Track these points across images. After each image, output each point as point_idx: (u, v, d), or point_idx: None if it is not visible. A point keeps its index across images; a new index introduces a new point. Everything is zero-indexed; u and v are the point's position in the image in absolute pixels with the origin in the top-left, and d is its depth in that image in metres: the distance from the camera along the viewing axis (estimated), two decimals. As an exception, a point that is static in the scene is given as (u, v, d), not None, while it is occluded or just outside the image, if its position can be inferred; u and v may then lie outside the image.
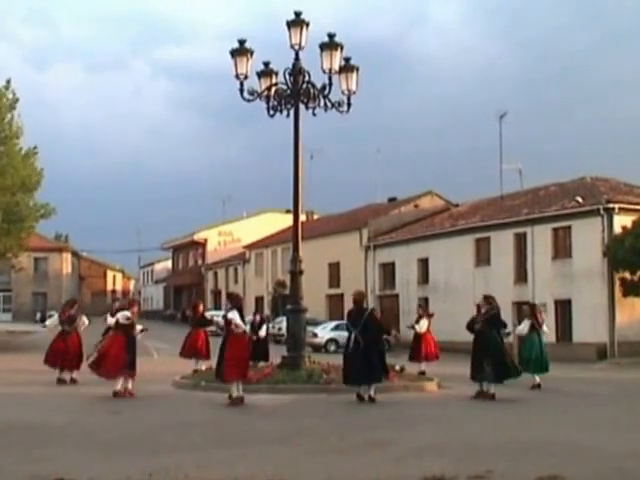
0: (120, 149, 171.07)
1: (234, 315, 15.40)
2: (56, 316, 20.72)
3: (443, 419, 13.69)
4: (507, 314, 19.37)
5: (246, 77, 18.96)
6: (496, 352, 16.80)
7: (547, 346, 20.46)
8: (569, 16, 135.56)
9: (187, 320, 29.82)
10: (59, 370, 19.30)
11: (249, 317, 20.71)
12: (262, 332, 22.47)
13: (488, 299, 17.63)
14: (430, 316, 24.43)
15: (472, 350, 17.30)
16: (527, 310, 21.40)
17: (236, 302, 16.00)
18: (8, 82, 38.84)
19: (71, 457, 9.42)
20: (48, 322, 22.19)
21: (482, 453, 9.81)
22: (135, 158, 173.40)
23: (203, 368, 21.21)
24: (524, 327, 20.29)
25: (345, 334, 17.14)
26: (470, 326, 17.58)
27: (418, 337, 23.91)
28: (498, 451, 9.95)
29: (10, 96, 38.76)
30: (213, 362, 17.20)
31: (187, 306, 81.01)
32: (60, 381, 19.01)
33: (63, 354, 19.30)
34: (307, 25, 18.72)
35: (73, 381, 19.14)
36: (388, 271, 50.54)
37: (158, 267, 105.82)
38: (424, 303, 37.58)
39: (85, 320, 20.12)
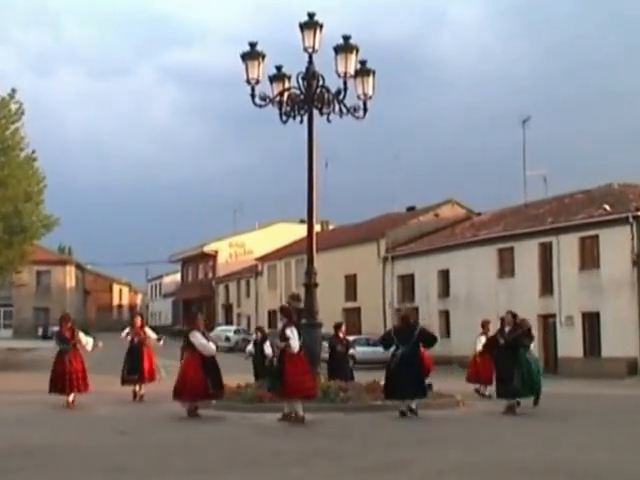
0: (126, 158, 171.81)
1: (292, 333, 15.42)
2: (54, 336, 19.83)
3: (466, 438, 13.63)
4: (532, 328, 19.34)
5: (258, 82, 18.98)
6: (523, 368, 17.12)
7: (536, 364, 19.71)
8: (595, 21, 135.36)
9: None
10: (60, 394, 18.59)
11: (253, 335, 20.74)
12: (268, 349, 22.10)
13: (513, 317, 17.76)
14: None
15: (497, 367, 17.31)
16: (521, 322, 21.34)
17: (291, 317, 15.91)
18: (13, 91, 38.81)
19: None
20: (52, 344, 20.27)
21: (507, 474, 9.77)
22: (142, 167, 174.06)
23: None
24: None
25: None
26: (492, 344, 17.66)
27: None
28: (524, 472, 9.91)
29: (15, 106, 38.78)
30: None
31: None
32: (68, 404, 18.44)
33: (62, 375, 18.48)
34: (321, 27, 18.75)
35: (70, 404, 18.46)
36: (407, 283, 50.43)
37: (166, 280, 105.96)
38: (415, 313, 37.33)
39: (89, 340, 19.35)
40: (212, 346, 16.42)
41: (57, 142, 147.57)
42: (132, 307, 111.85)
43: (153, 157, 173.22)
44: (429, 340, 17.23)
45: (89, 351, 19.37)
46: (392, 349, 17.01)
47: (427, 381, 19.98)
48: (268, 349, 21.91)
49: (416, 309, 48.47)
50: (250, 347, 23.67)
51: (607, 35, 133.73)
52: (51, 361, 19.20)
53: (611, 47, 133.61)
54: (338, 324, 23.14)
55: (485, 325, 21.71)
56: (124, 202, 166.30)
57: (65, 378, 18.41)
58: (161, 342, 21.25)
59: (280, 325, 16.25)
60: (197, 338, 15.79)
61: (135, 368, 20.29)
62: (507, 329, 17.62)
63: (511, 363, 17.13)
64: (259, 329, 24.29)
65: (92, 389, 19.00)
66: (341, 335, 22.50)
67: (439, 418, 16.58)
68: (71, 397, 18.50)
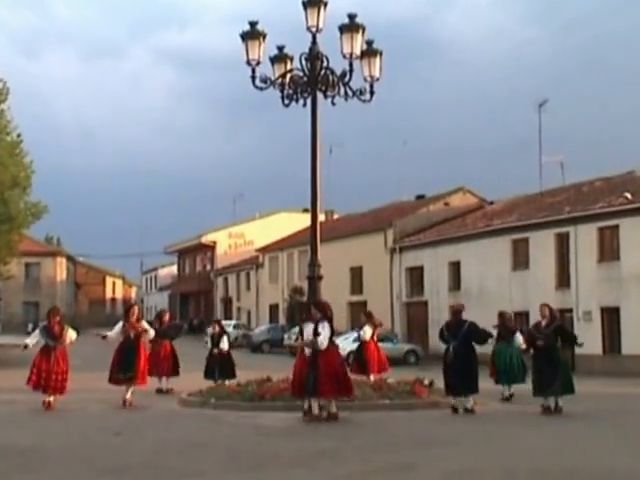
0: (120, 144, 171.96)
1: (324, 329, 15.54)
2: (37, 331, 18.58)
3: (476, 440, 13.65)
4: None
5: (258, 63, 18.94)
6: (563, 365, 17.53)
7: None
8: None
9: (195, 331, 29.66)
10: (43, 392, 17.87)
11: (209, 329, 20.61)
12: (224, 345, 22.10)
13: (549, 309, 17.97)
14: (376, 325, 24.30)
15: (534, 364, 17.69)
16: (498, 319, 21.72)
17: (326, 312, 16.00)
18: None
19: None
20: (29, 340, 18.39)
21: (520, 478, 9.79)
22: (137, 154, 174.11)
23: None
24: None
25: None
26: (531, 342, 18.00)
27: (362, 346, 23.77)
28: (538, 477, 9.93)
29: None
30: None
31: (195, 315, 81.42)
32: (45, 404, 17.71)
33: (47, 374, 17.70)
34: (325, 5, 18.70)
35: (49, 405, 17.74)
36: (416, 276, 50.45)
37: (162, 273, 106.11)
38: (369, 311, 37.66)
39: (72, 334, 18.36)
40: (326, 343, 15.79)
41: (46, 127, 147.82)
42: (126, 300, 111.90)
43: (148, 143, 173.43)
44: (479, 336, 17.83)
45: (73, 343, 18.58)
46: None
47: (429, 379, 20.25)
48: (224, 344, 21.86)
49: (425, 303, 48.66)
50: (207, 340, 23.31)
51: (625, 9, 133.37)
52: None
53: (631, 22, 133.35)
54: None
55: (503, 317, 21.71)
56: (117, 190, 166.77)
57: (49, 377, 17.67)
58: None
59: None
60: (325, 331, 15.66)
61: (129, 366, 18.57)
62: (544, 323, 17.76)
63: (548, 359, 17.32)
64: (216, 322, 23.71)
65: (71, 390, 18.34)
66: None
67: (448, 418, 16.60)
68: (52, 398, 17.78)
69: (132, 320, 19.05)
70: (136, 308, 20.06)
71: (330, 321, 15.79)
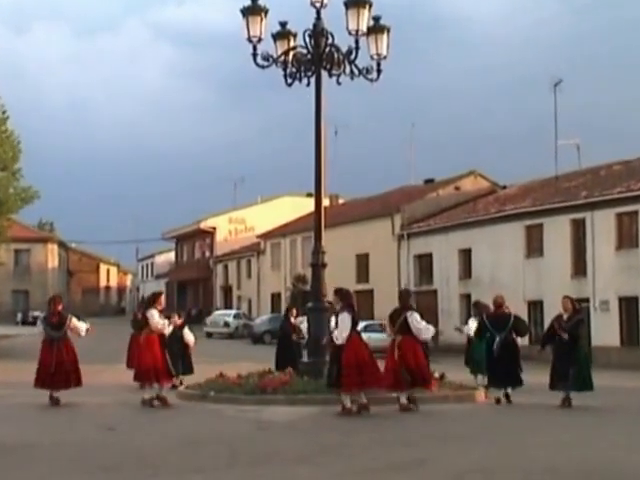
0: (114, 126, 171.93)
1: (343, 320, 15.58)
2: (38, 322, 18.68)
3: (489, 435, 13.64)
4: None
5: (260, 40, 18.89)
6: (583, 361, 17.74)
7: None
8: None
9: (193, 321, 29.22)
10: (49, 389, 17.60)
11: (175, 318, 20.37)
12: (189, 337, 21.56)
13: (572, 303, 18.21)
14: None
15: (554, 357, 17.84)
16: (473, 309, 22.95)
17: (348, 300, 16.05)
18: None
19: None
20: (36, 329, 18.83)
21: (534, 476, 9.79)
22: (132, 136, 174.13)
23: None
24: (472, 326, 21.67)
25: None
26: (549, 337, 18.21)
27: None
28: (553, 475, 9.92)
29: None
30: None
31: (193, 305, 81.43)
32: (53, 400, 17.49)
33: (54, 369, 17.34)
34: (330, -22, 18.67)
35: (56, 401, 17.53)
36: (425, 264, 50.48)
37: (159, 260, 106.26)
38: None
39: (81, 325, 18.25)
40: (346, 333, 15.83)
41: (36, 107, 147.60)
42: (119, 289, 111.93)
43: (144, 124, 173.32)
44: (524, 328, 19.32)
45: (82, 336, 18.48)
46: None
47: (440, 371, 20.31)
48: (189, 335, 21.41)
49: (434, 292, 48.67)
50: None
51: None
52: (33, 349, 18.78)
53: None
54: (289, 308, 24.83)
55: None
56: (112, 174, 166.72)
57: (54, 371, 17.35)
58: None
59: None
60: (346, 321, 15.69)
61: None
62: (566, 316, 17.88)
63: (569, 353, 17.45)
64: (178, 314, 22.57)
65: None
66: (292, 320, 23.40)
67: (459, 412, 16.60)
68: (57, 393, 17.50)
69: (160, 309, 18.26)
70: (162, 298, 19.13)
71: (352, 310, 15.80)
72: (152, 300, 18.31)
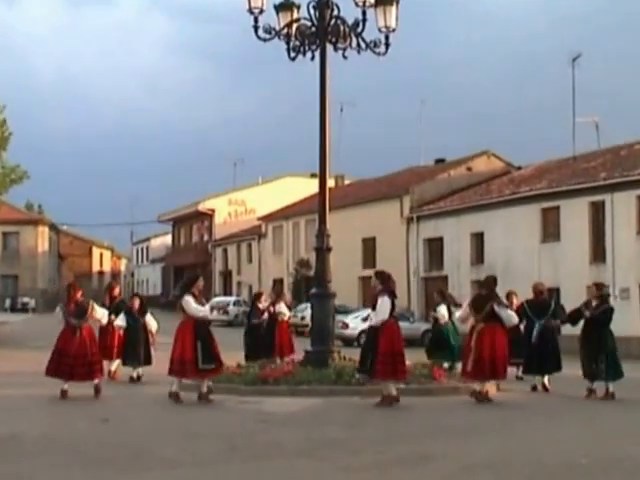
0: (107, 102, 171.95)
1: (382, 304, 15.72)
2: (58, 309, 17.80)
3: (500, 429, 13.68)
4: (582, 300, 19.54)
5: (262, 11, 18.87)
6: (611, 349, 17.90)
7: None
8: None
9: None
10: (64, 380, 17.05)
11: (135, 302, 20.27)
12: (153, 324, 20.86)
13: (601, 290, 18.67)
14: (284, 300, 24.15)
15: (581, 347, 18.05)
16: (438, 296, 23.57)
17: (389, 284, 16.13)
18: None
19: (48, 476, 9.51)
20: (54, 318, 17.94)
21: (547, 472, 9.82)
22: (126, 113, 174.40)
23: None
24: (445, 313, 22.30)
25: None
26: (574, 316, 18.55)
27: (272, 325, 23.02)
28: (566, 470, 9.95)
29: None
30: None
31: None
32: (63, 394, 16.94)
33: (73, 360, 16.89)
34: (335, -54, 18.64)
35: (97, 391, 17.04)
36: (435, 248, 50.46)
37: (155, 243, 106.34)
38: (279, 286, 38.27)
39: (103, 313, 18.18)
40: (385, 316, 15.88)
41: (24, 83, 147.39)
42: (114, 274, 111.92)
43: (139, 102, 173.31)
44: (564, 315, 19.42)
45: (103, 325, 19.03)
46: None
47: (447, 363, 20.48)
48: (153, 322, 21.00)
49: (444, 278, 48.67)
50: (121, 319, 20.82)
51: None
52: (23, 337, 18.75)
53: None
54: (257, 294, 24.68)
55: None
56: (105, 153, 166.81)
57: (74, 363, 16.89)
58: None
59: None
60: (385, 304, 15.73)
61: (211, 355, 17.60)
62: (594, 303, 18.04)
63: (597, 341, 17.63)
64: (136, 295, 22.35)
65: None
66: (261, 306, 23.07)
67: (467, 404, 16.61)
68: (66, 385, 16.99)
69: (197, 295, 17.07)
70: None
71: (392, 294, 15.89)
72: (188, 284, 17.07)
